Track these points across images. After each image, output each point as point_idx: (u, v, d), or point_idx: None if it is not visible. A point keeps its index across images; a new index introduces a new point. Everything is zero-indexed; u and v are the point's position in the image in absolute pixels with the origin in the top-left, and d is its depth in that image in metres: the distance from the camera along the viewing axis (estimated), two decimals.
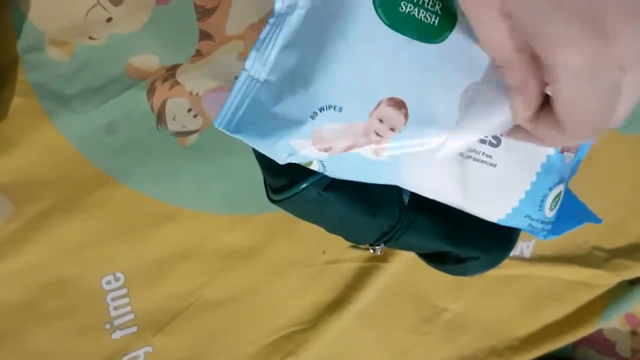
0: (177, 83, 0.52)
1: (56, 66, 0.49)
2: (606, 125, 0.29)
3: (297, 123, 0.32)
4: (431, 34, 0.32)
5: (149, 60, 0.51)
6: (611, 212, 0.67)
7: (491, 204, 0.38)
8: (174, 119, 0.52)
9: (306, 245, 0.58)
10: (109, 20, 0.49)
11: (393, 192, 0.40)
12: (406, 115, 0.33)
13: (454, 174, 0.36)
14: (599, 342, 0.72)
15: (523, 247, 0.66)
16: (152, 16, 0.50)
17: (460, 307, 0.66)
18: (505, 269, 0.66)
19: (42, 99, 0.49)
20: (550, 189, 0.39)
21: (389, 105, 0.32)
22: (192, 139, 0.53)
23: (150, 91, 0.51)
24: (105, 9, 0.49)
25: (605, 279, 0.69)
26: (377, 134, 0.33)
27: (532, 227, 0.41)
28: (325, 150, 0.33)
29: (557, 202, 0.41)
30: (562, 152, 0.38)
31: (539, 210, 0.39)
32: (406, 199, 0.42)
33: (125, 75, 0.51)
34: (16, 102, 0.49)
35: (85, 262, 0.53)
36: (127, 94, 0.51)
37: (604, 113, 0.28)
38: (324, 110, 0.32)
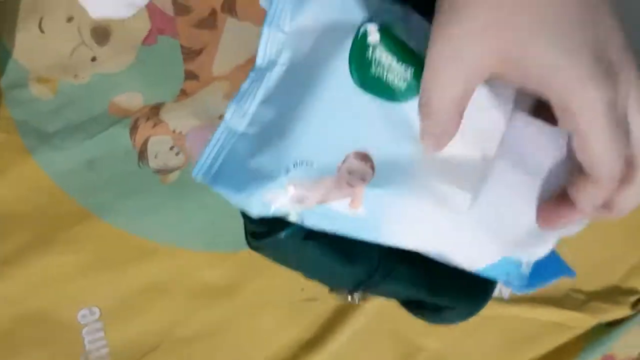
0: (161, 121, 0.52)
1: (39, 103, 0.50)
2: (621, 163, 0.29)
3: (271, 177, 0.33)
4: (398, 96, 0.33)
5: (132, 99, 0.51)
6: (590, 255, 0.68)
7: (470, 258, 0.39)
8: (155, 156, 0.53)
9: (284, 283, 0.59)
10: (93, 59, 0.50)
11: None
12: (372, 168, 0.34)
13: (440, 235, 0.36)
14: None
15: (502, 288, 0.67)
16: (137, 56, 0.51)
17: (439, 345, 0.66)
18: (483, 309, 0.66)
19: (24, 135, 0.50)
20: None
21: (355, 158, 0.33)
22: (173, 176, 0.54)
23: (133, 129, 0.52)
24: (90, 49, 0.49)
25: (582, 322, 0.69)
26: (349, 184, 0.33)
27: (509, 282, 0.41)
28: (298, 204, 0.34)
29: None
30: None
31: (518, 267, 0.40)
32: (385, 246, 0.42)
33: (108, 113, 0.51)
34: None
35: (62, 296, 0.53)
36: (110, 132, 0.51)
37: (621, 148, 0.28)
38: (296, 165, 0.33)
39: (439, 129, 0.31)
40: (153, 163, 0.53)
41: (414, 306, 0.48)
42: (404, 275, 0.43)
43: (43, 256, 0.51)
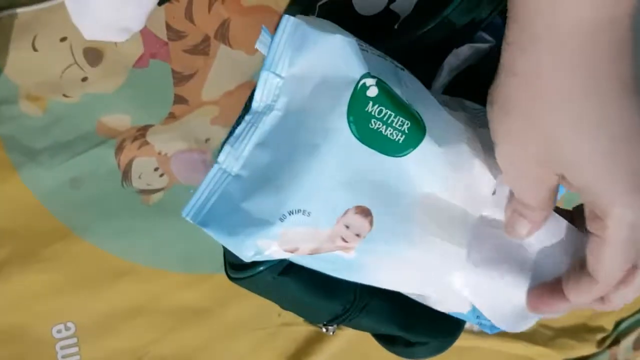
0: (147, 143, 0.53)
1: (28, 120, 0.50)
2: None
3: (266, 224, 0.33)
4: (395, 150, 0.34)
5: (120, 120, 0.52)
6: None
7: (447, 304, 0.40)
8: (139, 177, 0.53)
9: (261, 307, 0.59)
10: (84, 79, 0.50)
11: None
12: (371, 222, 0.34)
13: (425, 284, 0.37)
14: None
15: None
16: (128, 78, 0.51)
17: None
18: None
19: (10, 151, 0.50)
20: None
21: (356, 213, 0.33)
22: (156, 197, 0.54)
23: (119, 149, 0.52)
24: (81, 69, 0.50)
25: (549, 357, 0.70)
26: (343, 240, 0.34)
27: (481, 323, 0.42)
28: (291, 252, 0.34)
29: None
30: None
31: None
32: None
33: (95, 133, 0.52)
34: None
35: (38, 311, 0.53)
36: (95, 151, 0.52)
37: (630, 261, 0.31)
38: (292, 214, 0.33)
39: (536, 218, 0.34)
40: (136, 183, 0.53)
41: (387, 340, 0.49)
42: (378, 310, 0.43)
43: (22, 272, 0.52)
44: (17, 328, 0.53)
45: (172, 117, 0.53)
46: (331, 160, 0.33)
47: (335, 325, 0.45)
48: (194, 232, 0.54)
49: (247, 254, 0.34)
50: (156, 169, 0.53)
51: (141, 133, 0.52)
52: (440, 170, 0.35)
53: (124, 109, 0.52)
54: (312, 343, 0.61)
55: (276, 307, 0.59)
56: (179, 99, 0.53)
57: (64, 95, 0.50)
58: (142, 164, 0.53)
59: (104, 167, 0.52)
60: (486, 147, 0.36)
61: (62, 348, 0.54)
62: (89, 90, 0.50)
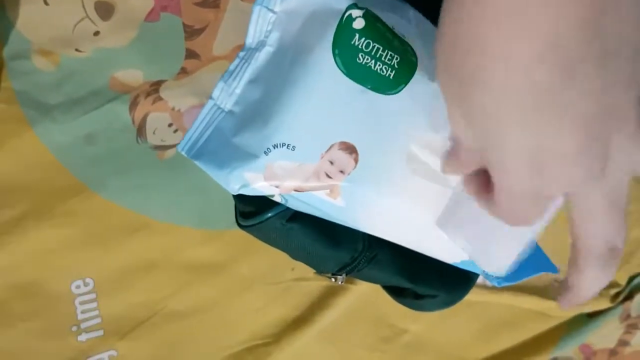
0: (160, 98, 0.53)
1: (41, 75, 0.50)
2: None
3: (251, 156, 0.34)
4: (386, 86, 0.33)
5: (133, 75, 0.52)
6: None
7: (447, 251, 0.40)
8: (154, 132, 0.53)
9: (275, 262, 0.60)
10: (96, 34, 0.50)
11: None
12: (356, 160, 0.34)
13: (417, 230, 0.37)
14: None
15: None
16: (139, 32, 0.51)
17: (420, 328, 0.67)
18: (467, 295, 0.67)
19: (24, 106, 0.50)
20: None
21: (340, 149, 0.34)
22: (171, 153, 0.54)
23: (133, 105, 0.52)
24: (93, 23, 0.50)
25: (562, 311, 0.71)
26: (327, 175, 0.34)
27: (487, 275, 0.42)
28: (277, 186, 0.34)
29: None
30: None
31: None
32: None
33: (108, 88, 0.52)
34: None
35: (56, 267, 0.54)
36: (109, 107, 0.52)
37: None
38: (277, 147, 0.33)
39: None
40: (151, 139, 0.53)
41: (396, 292, 0.49)
42: (387, 261, 0.43)
43: (39, 228, 0.52)
44: (36, 284, 0.53)
45: (183, 72, 0.53)
46: (316, 94, 0.33)
47: (344, 275, 0.46)
48: (208, 188, 0.55)
49: (234, 187, 0.34)
50: (170, 125, 0.53)
51: (154, 88, 0.52)
52: (432, 107, 0.34)
53: (136, 64, 0.52)
54: (325, 297, 0.62)
55: (289, 263, 0.59)
56: (191, 54, 0.53)
57: (77, 50, 0.50)
58: (156, 120, 0.53)
59: (118, 123, 0.52)
60: None
61: (81, 303, 0.55)
62: (101, 45, 0.50)
